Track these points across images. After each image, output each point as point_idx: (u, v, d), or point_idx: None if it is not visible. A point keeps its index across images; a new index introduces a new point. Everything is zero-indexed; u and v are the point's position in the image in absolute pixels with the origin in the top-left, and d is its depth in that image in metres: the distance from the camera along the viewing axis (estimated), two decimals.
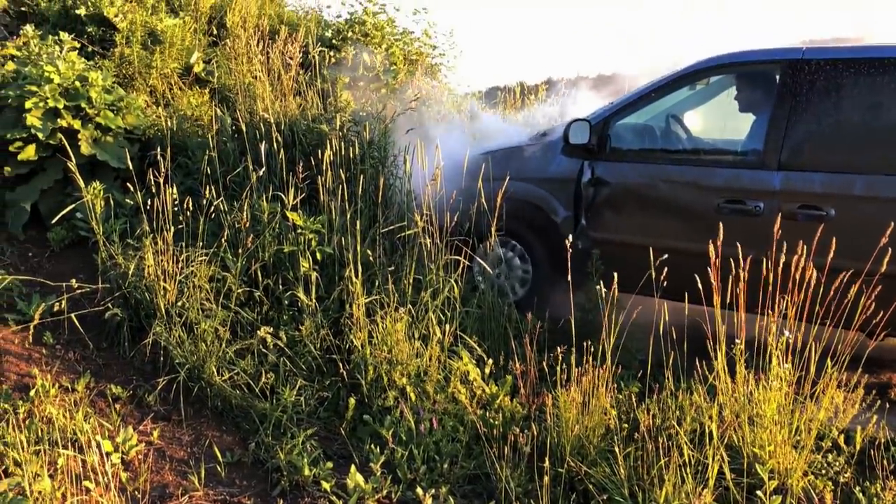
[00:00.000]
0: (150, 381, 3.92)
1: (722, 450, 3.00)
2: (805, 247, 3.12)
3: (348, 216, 4.41)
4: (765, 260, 3.25)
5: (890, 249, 3.20)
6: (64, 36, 5.57)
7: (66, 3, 6.53)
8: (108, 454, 3.18)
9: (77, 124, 5.01)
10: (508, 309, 4.50)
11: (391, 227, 4.54)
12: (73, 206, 4.46)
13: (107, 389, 3.79)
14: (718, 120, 5.43)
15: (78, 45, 5.82)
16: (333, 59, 6.66)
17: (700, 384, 3.33)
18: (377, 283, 4.20)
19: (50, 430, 3.26)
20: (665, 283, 3.54)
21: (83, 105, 5.07)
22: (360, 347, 3.86)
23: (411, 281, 4.20)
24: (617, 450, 3.10)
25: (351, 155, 4.68)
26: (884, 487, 2.68)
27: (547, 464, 2.97)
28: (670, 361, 3.34)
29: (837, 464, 3.20)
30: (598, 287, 3.87)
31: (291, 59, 5.51)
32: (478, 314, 4.37)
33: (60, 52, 5.34)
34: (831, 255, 3.11)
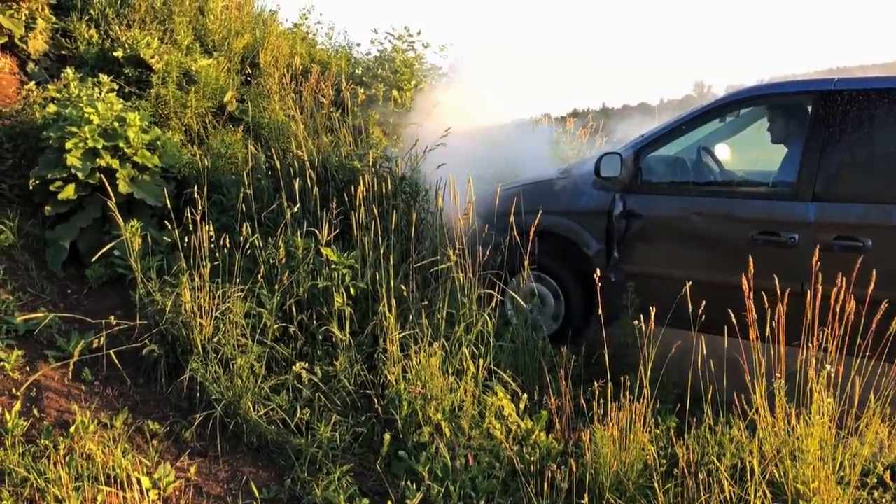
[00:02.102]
0: (186, 416, 3.96)
1: (764, 486, 2.95)
2: (844, 278, 3.09)
3: (381, 251, 4.44)
4: (803, 292, 3.22)
5: None
6: (103, 78, 5.72)
7: (105, 46, 6.72)
8: (146, 490, 3.21)
9: (115, 163, 5.13)
10: (542, 343, 4.48)
11: (424, 262, 4.57)
12: (112, 244, 4.54)
13: (144, 425, 3.83)
14: (749, 152, 5.42)
15: (116, 87, 5.97)
16: (364, 96, 6.76)
17: (739, 419, 3.29)
18: (410, 318, 4.22)
19: (90, 466, 3.30)
20: (701, 317, 3.52)
21: (121, 145, 5.18)
22: (394, 382, 3.86)
23: (444, 315, 4.21)
24: (656, 486, 3.06)
25: (383, 190, 4.73)
26: None
27: (586, 500, 2.94)
28: (709, 396, 3.30)
29: (884, 500, 3.13)
30: (633, 321, 3.86)
31: (324, 97, 5.60)
32: (511, 348, 4.36)
33: (99, 93, 5.48)
34: (871, 286, 3.07)
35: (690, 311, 3.62)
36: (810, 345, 3.14)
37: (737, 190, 4.61)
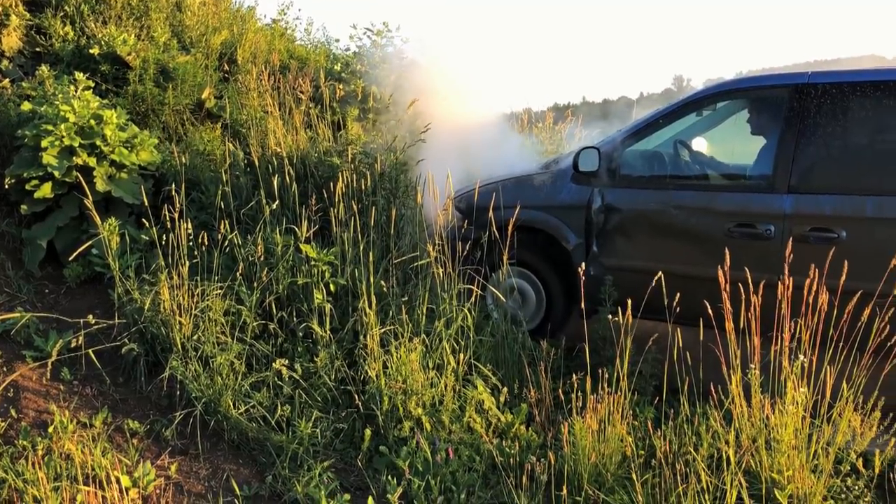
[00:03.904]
0: (166, 415, 3.94)
1: (740, 475, 2.99)
2: (817, 270, 3.13)
3: (361, 247, 4.45)
4: (779, 283, 3.26)
5: None
6: (79, 75, 5.67)
7: (80, 43, 6.66)
8: (126, 490, 3.20)
9: (92, 162, 5.09)
10: (522, 337, 4.51)
11: (403, 258, 4.57)
12: (90, 242, 4.51)
13: (124, 424, 3.82)
14: (726, 145, 5.46)
15: (92, 84, 5.92)
16: (342, 92, 6.74)
17: (716, 409, 3.33)
18: (391, 314, 4.23)
19: (69, 466, 3.28)
20: (678, 309, 3.56)
21: (98, 143, 5.14)
22: (374, 378, 3.87)
23: (424, 311, 4.22)
24: (634, 477, 3.09)
25: (363, 186, 4.73)
26: None
27: (564, 492, 2.97)
28: (685, 387, 3.34)
29: (857, 487, 3.18)
30: (611, 314, 3.90)
31: (303, 93, 5.59)
32: (491, 342, 4.38)
33: (75, 91, 5.43)
34: (843, 277, 3.12)
35: (667, 303, 3.66)
36: (784, 335, 3.19)
37: (713, 183, 4.65)
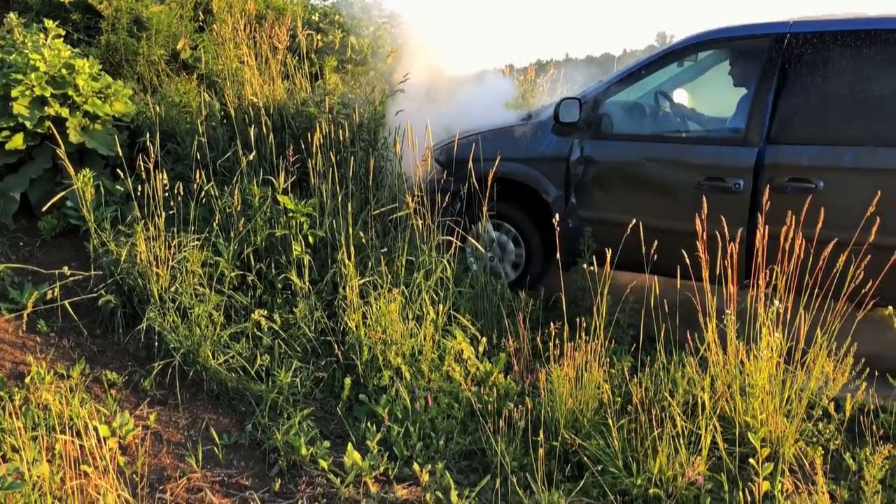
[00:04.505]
0: (145, 366, 3.94)
1: (715, 420, 3.03)
2: (794, 218, 3.15)
3: (339, 199, 4.41)
4: (745, 234, 3.28)
5: (878, 219, 3.23)
6: (49, 23, 5.53)
7: None
8: (105, 439, 3.19)
9: (65, 112, 4.99)
10: (501, 288, 4.52)
11: (383, 209, 4.55)
12: (63, 192, 4.45)
13: (102, 375, 3.80)
14: (710, 97, 5.44)
15: (63, 33, 5.78)
16: (321, 44, 6.64)
17: (692, 355, 3.36)
18: (370, 265, 4.22)
19: (46, 416, 3.28)
20: (655, 258, 3.58)
21: (70, 93, 5.04)
22: (354, 329, 3.87)
23: (404, 262, 4.21)
24: (611, 422, 3.13)
25: (341, 137, 4.68)
26: (873, 451, 2.72)
27: (542, 437, 3.00)
28: (661, 334, 3.37)
29: (828, 431, 3.24)
30: (588, 265, 3.91)
31: (279, 41, 5.49)
32: (471, 294, 4.39)
33: (45, 39, 5.30)
34: (819, 226, 3.15)
35: (645, 253, 3.68)
36: (759, 283, 3.21)
37: (686, 136, 4.64)
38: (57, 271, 4.30)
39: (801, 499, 2.60)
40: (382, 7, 7.80)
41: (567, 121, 4.66)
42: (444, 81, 6.32)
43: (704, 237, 3.19)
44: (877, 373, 3.51)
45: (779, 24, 4.19)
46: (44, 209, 4.66)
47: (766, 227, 3.25)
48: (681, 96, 5.38)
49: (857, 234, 3.38)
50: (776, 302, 3.15)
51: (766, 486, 2.73)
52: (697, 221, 3.19)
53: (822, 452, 3.09)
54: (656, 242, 3.64)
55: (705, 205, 3.33)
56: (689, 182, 4.29)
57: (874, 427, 3.18)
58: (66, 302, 4.13)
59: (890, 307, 3.64)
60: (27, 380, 3.54)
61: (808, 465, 2.94)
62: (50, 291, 4.24)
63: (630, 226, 3.64)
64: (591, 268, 4.05)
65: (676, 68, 5.00)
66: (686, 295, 3.63)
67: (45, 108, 4.93)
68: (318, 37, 6.48)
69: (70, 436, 3.07)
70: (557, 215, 4.00)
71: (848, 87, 4.03)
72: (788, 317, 3.17)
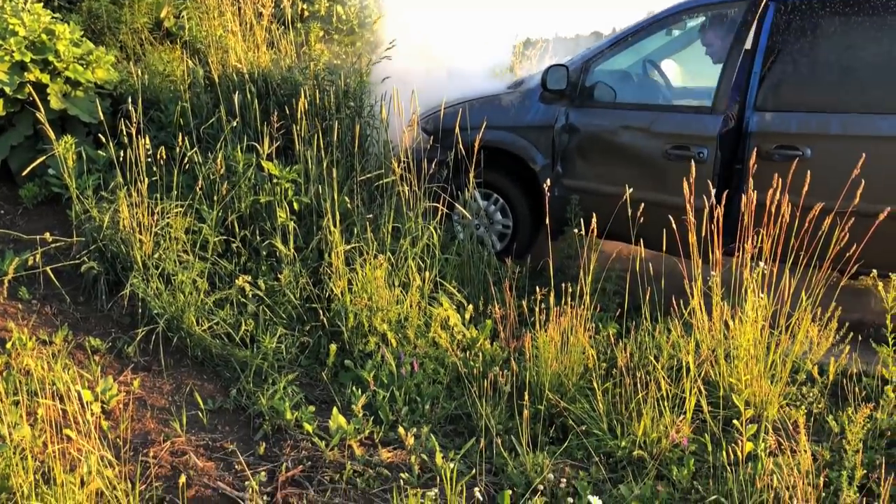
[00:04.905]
0: (128, 332, 3.91)
1: (699, 383, 3.04)
2: (780, 181, 3.14)
3: (324, 166, 4.37)
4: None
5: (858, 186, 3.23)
6: None
7: None
8: (88, 403, 3.17)
9: (45, 78, 4.90)
10: (488, 256, 4.51)
11: (369, 175, 4.51)
12: (44, 157, 4.38)
13: (85, 342, 3.77)
14: (697, 65, 5.40)
15: None
16: (307, 12, 6.55)
17: (677, 319, 3.37)
18: (356, 232, 4.19)
19: (28, 381, 3.24)
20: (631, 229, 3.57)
21: (51, 59, 4.95)
22: (339, 295, 3.85)
23: (390, 229, 4.19)
24: (596, 385, 3.13)
25: (326, 104, 4.63)
26: (855, 411, 2.73)
27: (526, 399, 3.00)
28: (647, 297, 3.37)
29: (812, 394, 3.26)
30: (575, 232, 3.90)
31: (264, 6, 5.41)
32: (457, 261, 4.38)
33: (24, 4, 5.20)
34: (806, 188, 3.14)
35: (630, 223, 3.68)
36: (745, 247, 3.21)
37: (661, 104, 4.59)
38: (38, 237, 4.24)
39: (785, 458, 2.61)
40: None
41: (554, 88, 4.63)
42: (429, 52, 6.26)
43: (692, 201, 3.19)
44: (860, 338, 3.53)
45: None
46: (24, 173, 4.58)
47: (755, 193, 3.24)
48: (669, 66, 5.36)
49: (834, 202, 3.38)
50: (761, 264, 3.15)
51: (749, 446, 2.74)
52: (685, 186, 3.18)
53: (806, 414, 3.11)
54: (631, 212, 3.63)
55: (693, 168, 3.32)
56: (657, 151, 4.27)
57: (856, 390, 3.20)
58: (48, 268, 4.09)
59: (873, 274, 3.65)
60: (8, 345, 3.50)
61: (791, 428, 2.96)
62: (31, 258, 4.19)
63: (607, 195, 3.62)
64: (580, 234, 4.04)
65: (665, 37, 4.97)
66: (672, 262, 3.63)
67: (25, 73, 4.84)
68: (304, 5, 6.39)
69: (52, 401, 3.05)
70: (546, 183, 3.98)
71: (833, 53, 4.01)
72: (773, 280, 3.18)
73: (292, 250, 4.11)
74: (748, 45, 4.16)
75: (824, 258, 3.27)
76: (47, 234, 4.20)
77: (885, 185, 3.62)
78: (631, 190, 3.66)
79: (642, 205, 3.72)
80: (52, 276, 4.07)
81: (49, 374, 3.30)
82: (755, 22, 4.10)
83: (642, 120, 4.41)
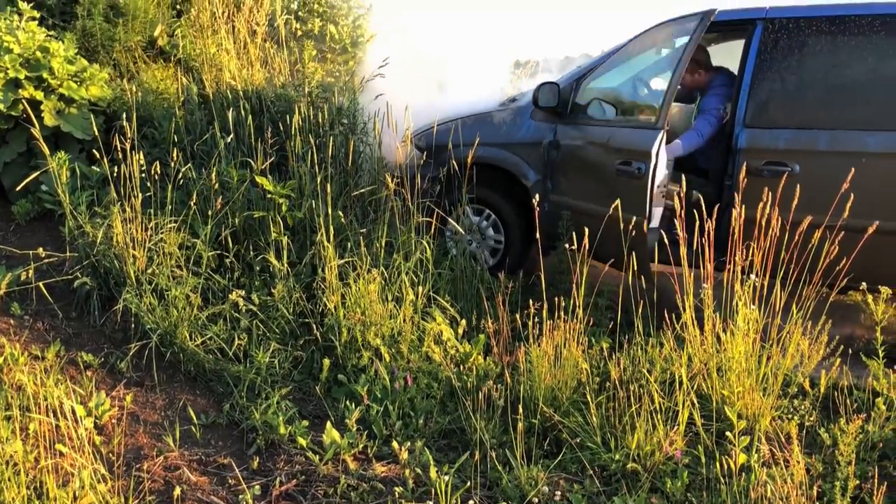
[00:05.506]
0: (121, 348, 3.90)
1: (692, 396, 3.05)
2: (771, 195, 3.18)
3: (318, 181, 4.39)
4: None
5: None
6: (23, 5, 5.45)
7: None
8: (80, 418, 3.16)
9: (39, 95, 4.92)
10: (481, 271, 4.53)
11: (362, 191, 4.53)
12: (37, 173, 4.40)
13: (78, 357, 3.76)
14: None
15: (37, 15, 5.70)
16: (300, 31, 6.60)
17: (669, 331, 3.39)
18: (349, 247, 4.20)
19: (20, 396, 3.23)
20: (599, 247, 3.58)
21: (45, 76, 4.98)
22: (333, 310, 3.86)
23: (383, 244, 4.20)
24: (589, 399, 3.14)
25: (320, 120, 4.66)
26: (847, 423, 2.75)
27: (520, 413, 3.01)
28: (639, 310, 3.39)
29: (803, 407, 3.28)
30: (566, 247, 3.93)
31: (258, 24, 5.45)
32: (450, 276, 4.39)
33: (20, 21, 5.22)
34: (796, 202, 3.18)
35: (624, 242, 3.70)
36: (736, 260, 3.24)
37: (612, 119, 4.58)
38: (31, 252, 4.24)
39: (778, 469, 2.63)
40: None
41: (545, 105, 4.67)
42: (422, 70, 6.31)
43: (682, 215, 3.22)
44: (850, 351, 3.56)
45: (755, 10, 4.23)
46: (17, 190, 4.58)
47: (743, 208, 3.28)
48: (658, 83, 5.41)
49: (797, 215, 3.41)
50: (752, 276, 3.18)
51: (742, 458, 2.76)
52: (676, 201, 3.22)
53: (798, 426, 3.13)
54: (592, 229, 3.60)
55: (683, 183, 3.35)
56: (610, 167, 4.24)
57: (847, 402, 3.22)
58: (40, 284, 4.08)
59: (862, 288, 3.69)
60: (0, 360, 3.49)
61: (783, 439, 2.97)
62: (24, 274, 4.19)
63: (582, 212, 3.62)
64: (570, 249, 4.06)
65: (654, 55, 5.03)
66: (664, 276, 3.66)
67: (20, 90, 4.86)
68: (297, 25, 6.44)
69: (45, 416, 3.03)
70: (537, 198, 4.01)
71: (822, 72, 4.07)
72: (764, 294, 3.20)
73: (286, 265, 4.12)
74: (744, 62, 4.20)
75: (814, 272, 3.30)
76: (40, 250, 4.19)
77: (873, 199, 3.66)
78: (592, 205, 3.66)
79: (603, 220, 3.74)
80: (44, 291, 4.06)
81: (41, 389, 3.28)
82: (748, 43, 4.16)
83: (603, 136, 4.43)
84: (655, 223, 4.08)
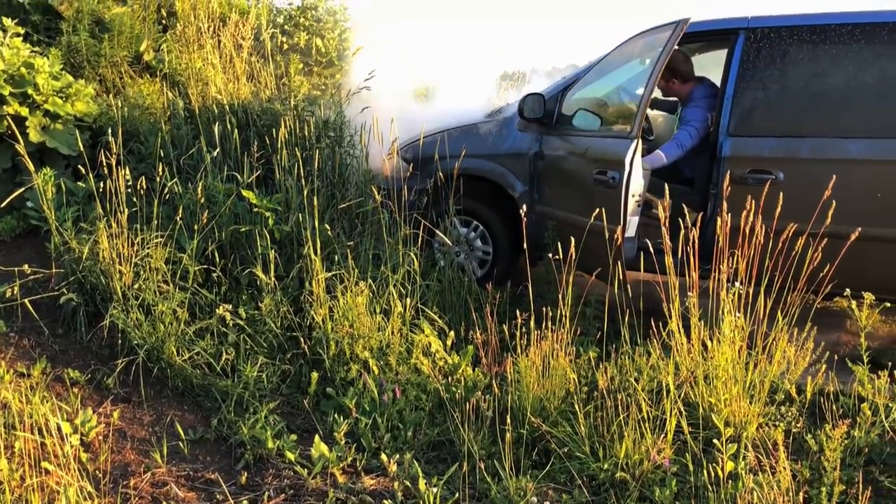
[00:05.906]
0: (108, 364, 3.88)
1: (679, 404, 3.06)
2: (754, 203, 3.20)
3: (305, 194, 4.40)
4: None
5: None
6: (7, 22, 5.45)
7: None
8: (67, 436, 3.14)
9: (24, 111, 4.91)
10: (469, 282, 4.53)
11: (349, 203, 4.54)
12: (23, 189, 4.38)
13: (64, 374, 3.74)
14: None
15: (22, 32, 5.69)
16: (286, 45, 6.62)
17: (656, 339, 3.40)
18: (337, 260, 4.20)
19: (5, 414, 3.21)
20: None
21: (30, 92, 4.97)
22: (321, 323, 3.85)
23: (371, 256, 4.21)
24: (577, 408, 3.15)
25: (306, 134, 4.66)
26: (833, 429, 2.77)
27: (509, 424, 3.01)
28: (626, 320, 3.41)
29: (790, 413, 3.29)
30: (551, 257, 3.94)
31: (243, 38, 5.46)
32: (438, 288, 4.40)
33: (4, 38, 5.22)
34: (778, 210, 3.20)
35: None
36: (721, 268, 3.26)
37: (590, 129, 4.60)
38: (17, 268, 4.22)
39: (765, 476, 2.64)
40: (347, 10, 7.80)
41: (530, 116, 4.70)
42: (411, 83, 6.34)
43: (666, 223, 3.24)
44: (836, 357, 3.58)
45: (738, 20, 4.27)
46: (2, 205, 4.56)
47: (729, 216, 3.29)
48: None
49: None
50: (737, 284, 3.20)
51: (730, 465, 2.77)
52: (661, 209, 3.24)
53: (784, 433, 3.14)
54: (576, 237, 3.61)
55: (667, 192, 3.37)
56: (589, 177, 4.24)
57: (834, 409, 3.23)
58: (26, 300, 4.06)
59: (846, 296, 3.71)
60: None
61: (770, 446, 2.98)
62: (10, 290, 4.16)
63: (565, 222, 3.64)
64: (556, 258, 4.07)
65: (639, 66, 5.06)
66: (651, 285, 3.67)
67: (4, 106, 4.85)
68: (283, 38, 6.46)
69: (30, 433, 3.01)
70: (524, 209, 4.02)
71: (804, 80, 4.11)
72: (749, 301, 3.22)
73: (273, 279, 4.11)
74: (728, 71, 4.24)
75: (798, 279, 3.33)
76: (26, 266, 4.17)
77: (856, 206, 3.69)
78: (574, 215, 3.67)
79: (584, 230, 3.76)
80: (30, 308, 4.03)
81: (27, 406, 3.26)
82: (730, 52, 4.20)
83: (582, 146, 4.45)
84: (632, 232, 4.11)
